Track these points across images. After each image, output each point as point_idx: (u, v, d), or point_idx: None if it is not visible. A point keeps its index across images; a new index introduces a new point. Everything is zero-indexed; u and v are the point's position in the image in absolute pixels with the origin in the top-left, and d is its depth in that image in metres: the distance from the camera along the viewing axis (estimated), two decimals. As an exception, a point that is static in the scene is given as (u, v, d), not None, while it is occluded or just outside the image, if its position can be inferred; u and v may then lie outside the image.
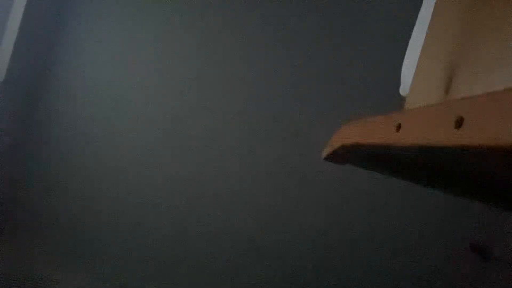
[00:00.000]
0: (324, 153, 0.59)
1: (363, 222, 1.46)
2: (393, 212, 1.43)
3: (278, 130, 1.64)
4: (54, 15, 2.26)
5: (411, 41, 0.73)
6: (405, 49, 1.45)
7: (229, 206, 1.66)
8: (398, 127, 0.34)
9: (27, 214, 2.10)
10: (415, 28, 0.71)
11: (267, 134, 1.65)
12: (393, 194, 1.45)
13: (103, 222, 1.89)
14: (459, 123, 0.25)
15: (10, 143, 2.17)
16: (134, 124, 1.92)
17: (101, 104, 2.02)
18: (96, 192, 1.94)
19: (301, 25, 1.67)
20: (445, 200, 1.38)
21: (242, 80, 1.73)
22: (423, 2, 0.70)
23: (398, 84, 1.46)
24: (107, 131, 1.98)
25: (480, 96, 0.23)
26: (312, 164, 1.56)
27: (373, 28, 1.55)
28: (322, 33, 1.63)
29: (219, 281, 1.58)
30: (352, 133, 0.45)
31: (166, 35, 1.92)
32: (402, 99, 1.39)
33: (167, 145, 1.83)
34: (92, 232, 1.91)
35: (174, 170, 1.79)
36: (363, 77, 1.54)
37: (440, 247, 1.36)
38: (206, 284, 1.60)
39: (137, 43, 1.99)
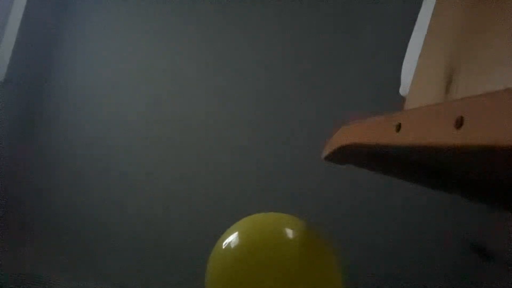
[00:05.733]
0: (324, 153, 0.59)
1: (361, 222, 1.46)
2: (393, 212, 1.43)
3: (278, 131, 1.64)
4: (54, 15, 2.26)
5: (411, 42, 0.73)
6: (405, 49, 1.45)
7: (235, 208, 1.66)
8: (398, 127, 0.34)
9: (27, 214, 2.10)
10: (415, 29, 0.71)
11: (267, 134, 1.65)
12: (392, 194, 1.45)
13: (104, 223, 1.89)
14: (459, 123, 0.25)
15: (10, 143, 2.17)
16: (135, 124, 1.92)
17: (101, 104, 2.02)
18: (96, 192, 1.94)
19: (301, 26, 1.67)
20: (445, 200, 1.38)
21: (242, 81, 1.73)
22: (423, 3, 0.70)
23: (398, 84, 1.46)
24: (107, 131, 1.98)
25: (480, 96, 0.23)
26: (312, 164, 1.56)
27: (373, 28, 1.55)
28: (323, 33, 1.63)
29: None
30: (352, 133, 0.45)
31: (168, 35, 1.93)
32: (402, 99, 1.39)
33: (168, 147, 1.83)
34: (92, 232, 1.91)
35: (175, 172, 1.79)
36: (363, 77, 1.54)
37: (440, 247, 1.36)
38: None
39: (138, 44, 1.99)
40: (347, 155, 0.53)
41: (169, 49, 1.91)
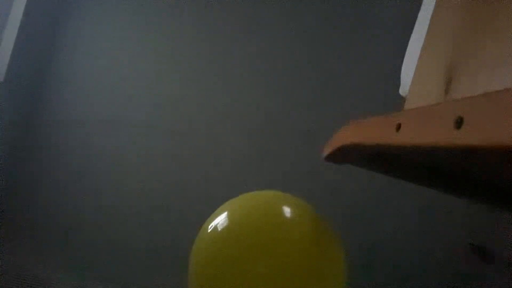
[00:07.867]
0: (325, 153, 0.59)
1: (361, 222, 1.46)
2: (393, 212, 1.43)
3: (278, 131, 1.63)
4: (54, 14, 2.26)
5: (411, 41, 0.73)
6: (405, 49, 1.45)
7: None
8: (398, 127, 0.34)
9: (27, 214, 2.09)
10: (415, 29, 0.71)
11: (268, 135, 1.65)
12: (392, 193, 1.44)
13: (103, 223, 1.89)
14: (459, 123, 0.25)
15: (10, 143, 2.17)
16: (134, 124, 1.92)
17: (101, 104, 2.02)
18: (95, 192, 1.94)
19: (302, 26, 1.67)
20: (445, 200, 1.38)
21: (243, 82, 1.73)
22: (423, 2, 0.70)
23: (398, 84, 1.46)
24: (107, 131, 1.98)
25: (480, 96, 0.23)
26: (313, 164, 1.56)
27: (373, 28, 1.55)
28: (323, 33, 1.63)
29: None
30: (352, 133, 0.45)
31: (169, 35, 1.92)
32: (402, 99, 1.39)
33: (168, 148, 1.83)
34: (91, 232, 1.91)
35: (175, 173, 1.79)
36: (363, 77, 1.54)
37: (440, 247, 1.36)
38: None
39: (138, 43, 1.99)
40: (347, 155, 0.53)
41: (169, 49, 1.91)
